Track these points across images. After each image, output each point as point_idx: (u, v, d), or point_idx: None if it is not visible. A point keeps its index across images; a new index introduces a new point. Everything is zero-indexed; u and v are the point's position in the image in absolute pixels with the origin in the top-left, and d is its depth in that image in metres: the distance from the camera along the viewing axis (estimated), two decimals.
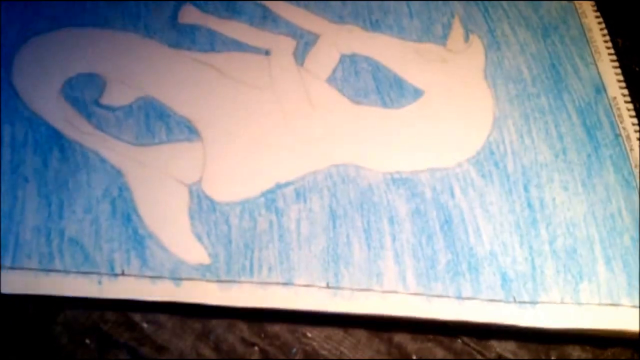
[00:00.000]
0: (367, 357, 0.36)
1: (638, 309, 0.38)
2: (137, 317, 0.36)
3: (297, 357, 0.36)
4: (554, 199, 0.41)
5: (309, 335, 0.37)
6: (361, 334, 0.37)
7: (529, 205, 0.41)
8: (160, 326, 0.36)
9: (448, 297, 0.37)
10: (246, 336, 0.36)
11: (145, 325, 0.36)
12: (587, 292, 0.38)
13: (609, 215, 0.41)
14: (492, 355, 0.37)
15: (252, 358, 0.36)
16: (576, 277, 0.39)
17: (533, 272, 0.39)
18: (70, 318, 0.35)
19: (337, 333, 0.37)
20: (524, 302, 0.38)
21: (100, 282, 0.35)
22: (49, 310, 0.35)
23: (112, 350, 0.35)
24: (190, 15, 0.46)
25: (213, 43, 0.45)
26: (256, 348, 0.36)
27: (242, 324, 0.36)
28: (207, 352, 0.35)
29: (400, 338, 0.37)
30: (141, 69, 0.43)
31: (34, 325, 0.35)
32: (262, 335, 0.36)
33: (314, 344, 0.36)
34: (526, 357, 0.38)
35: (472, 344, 0.38)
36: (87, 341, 0.35)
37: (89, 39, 0.43)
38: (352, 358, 0.36)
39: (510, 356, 0.37)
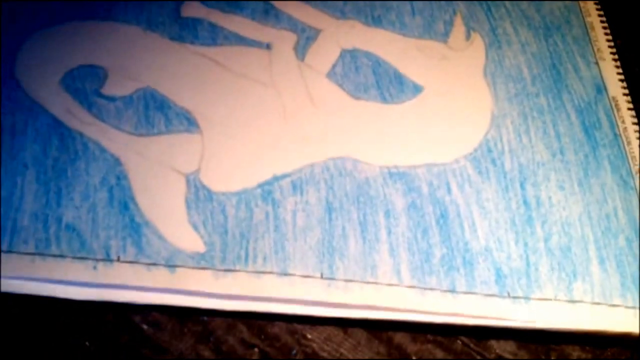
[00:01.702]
0: (367, 359, 0.37)
1: (632, 310, 0.38)
2: (137, 318, 0.36)
3: (297, 359, 0.36)
4: (550, 198, 0.41)
5: (309, 336, 0.37)
6: (361, 335, 0.37)
7: (525, 203, 0.41)
8: (160, 328, 0.36)
9: (442, 290, 0.37)
10: (246, 337, 0.36)
11: (145, 326, 0.36)
12: (581, 291, 0.39)
13: (605, 215, 0.41)
14: (492, 356, 0.37)
15: (252, 359, 0.36)
16: (570, 276, 0.39)
17: (527, 269, 0.39)
18: (70, 320, 0.35)
19: (337, 334, 0.37)
20: (518, 298, 0.38)
21: (95, 267, 0.35)
22: (49, 312, 0.35)
23: (112, 352, 0.35)
24: (192, 9, 0.46)
25: (215, 37, 0.45)
26: (256, 349, 0.36)
27: (242, 326, 0.36)
28: (207, 353, 0.35)
29: (400, 339, 0.37)
30: (142, 61, 0.43)
31: (34, 327, 0.35)
32: (262, 336, 0.36)
33: (314, 345, 0.36)
34: (526, 358, 0.38)
35: (471, 345, 0.38)
36: (87, 343, 0.35)
37: (92, 32, 0.44)
38: (352, 359, 0.36)
39: (510, 357, 0.37)
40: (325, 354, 0.36)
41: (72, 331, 0.35)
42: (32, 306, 0.35)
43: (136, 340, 0.35)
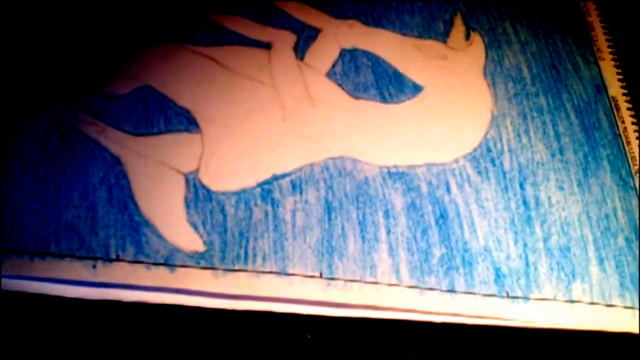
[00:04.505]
0: (366, 358, 0.37)
1: (631, 310, 0.39)
2: (137, 318, 0.36)
3: (297, 357, 0.36)
4: (549, 198, 0.42)
5: (309, 336, 0.37)
6: (361, 335, 0.37)
7: (524, 203, 0.41)
8: (161, 327, 0.36)
9: (441, 290, 0.37)
10: (246, 337, 0.36)
11: (145, 326, 0.36)
12: (580, 291, 0.39)
13: (604, 215, 0.41)
14: (492, 356, 0.38)
15: (252, 358, 0.36)
16: (569, 276, 0.39)
17: (526, 269, 0.39)
18: (70, 320, 0.35)
19: (337, 334, 0.37)
20: (517, 298, 0.38)
21: (94, 267, 0.35)
22: (49, 312, 0.35)
23: (112, 352, 0.35)
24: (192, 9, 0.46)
25: (214, 37, 0.45)
26: (257, 349, 0.36)
27: (242, 326, 0.37)
28: (206, 353, 0.36)
29: (399, 339, 0.37)
30: (142, 61, 0.43)
31: (33, 328, 0.35)
32: (262, 337, 0.36)
33: (314, 345, 0.37)
34: (525, 358, 0.38)
35: (471, 345, 0.38)
36: (88, 343, 0.35)
37: None
38: (351, 358, 0.37)
39: (510, 357, 0.38)
40: (325, 354, 0.36)
41: (72, 332, 0.35)
42: (31, 306, 0.35)
43: (136, 339, 0.35)
